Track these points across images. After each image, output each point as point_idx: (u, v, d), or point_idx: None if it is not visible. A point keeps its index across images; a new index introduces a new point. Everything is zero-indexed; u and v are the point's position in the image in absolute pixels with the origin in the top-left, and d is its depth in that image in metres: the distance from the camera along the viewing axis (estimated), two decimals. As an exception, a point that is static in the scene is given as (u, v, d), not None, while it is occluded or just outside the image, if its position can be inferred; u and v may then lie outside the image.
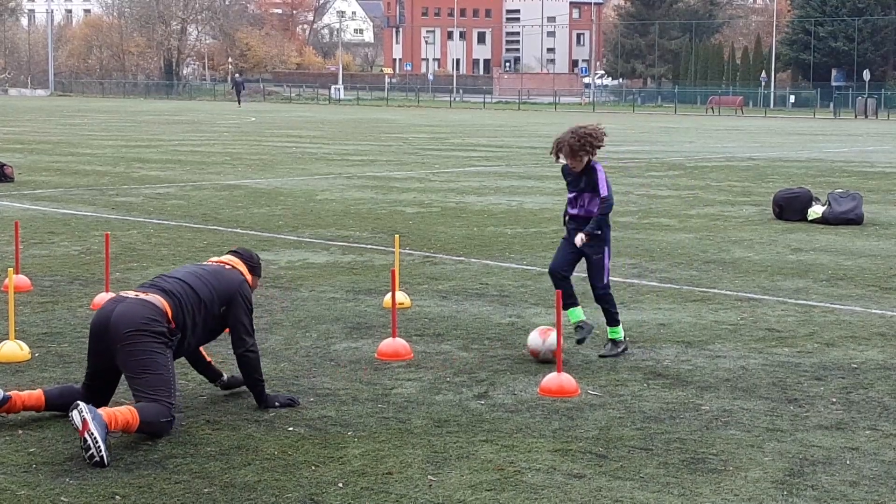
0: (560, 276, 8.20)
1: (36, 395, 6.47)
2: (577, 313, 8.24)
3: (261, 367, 6.79)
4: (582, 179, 8.29)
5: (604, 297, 8.26)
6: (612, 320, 8.27)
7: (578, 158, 8.24)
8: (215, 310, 6.63)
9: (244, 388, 7.04)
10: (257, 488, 5.46)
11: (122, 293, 6.61)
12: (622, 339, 8.30)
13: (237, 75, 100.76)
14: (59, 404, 6.48)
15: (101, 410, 5.98)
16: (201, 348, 6.94)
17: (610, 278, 8.33)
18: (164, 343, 6.33)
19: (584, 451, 6.05)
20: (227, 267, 6.84)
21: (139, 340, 6.24)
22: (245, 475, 5.64)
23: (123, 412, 6.06)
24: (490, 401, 7.00)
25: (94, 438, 5.75)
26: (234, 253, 7.06)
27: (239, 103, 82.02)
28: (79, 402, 5.94)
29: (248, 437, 6.23)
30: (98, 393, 6.53)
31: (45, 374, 7.42)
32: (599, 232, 8.18)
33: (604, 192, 8.21)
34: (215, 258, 7.06)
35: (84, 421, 5.79)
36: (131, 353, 6.24)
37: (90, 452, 5.76)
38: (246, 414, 6.65)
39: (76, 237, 14.11)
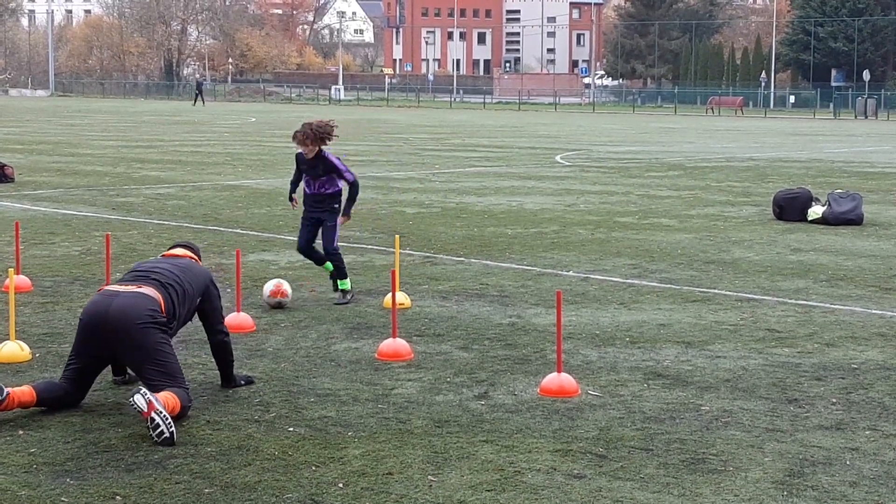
0: (307, 250, 10.36)
1: (28, 391, 6.57)
2: (329, 266, 10.28)
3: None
4: (319, 167, 10.11)
5: (333, 256, 10.23)
6: (342, 274, 10.22)
7: (309, 147, 10.06)
8: (194, 302, 6.98)
9: (234, 387, 7.18)
10: (258, 489, 5.47)
11: (111, 287, 6.82)
12: (350, 289, 10.25)
13: (198, 76, 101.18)
14: (47, 399, 6.62)
15: (157, 394, 6.19)
16: None
17: (337, 242, 10.24)
18: (166, 332, 6.64)
19: (585, 451, 6.05)
20: (193, 260, 7.27)
21: (148, 332, 6.51)
22: (245, 475, 5.64)
23: (169, 398, 6.29)
24: (490, 401, 7.00)
25: (163, 416, 6.02)
26: (187, 247, 7.47)
27: (200, 103, 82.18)
28: (140, 386, 6.28)
29: (249, 437, 6.23)
30: (79, 388, 6.70)
31: (46, 375, 7.42)
32: (343, 213, 10.30)
33: (350, 177, 10.20)
34: (174, 252, 7.35)
35: (150, 402, 6.05)
36: (142, 345, 6.49)
37: (160, 430, 6.00)
38: (246, 414, 6.66)
39: (76, 237, 14.11)
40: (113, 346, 6.55)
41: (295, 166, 10.54)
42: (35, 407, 6.58)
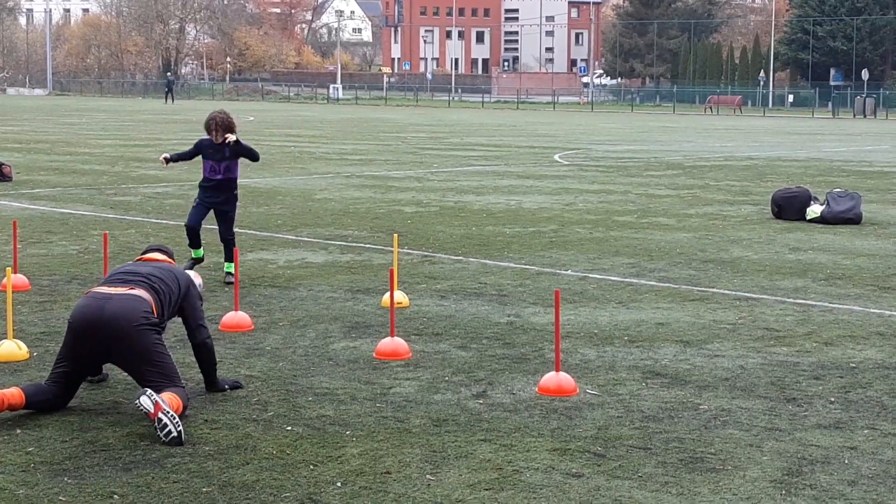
0: (196, 230, 10.94)
1: (17, 393, 6.53)
2: (199, 252, 11.08)
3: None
4: (226, 150, 10.88)
5: (230, 241, 11.00)
6: (230, 258, 10.88)
7: (224, 133, 10.82)
8: (177, 303, 6.94)
9: (218, 391, 7.09)
10: (256, 487, 5.46)
11: (101, 289, 6.71)
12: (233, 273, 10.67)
13: (168, 74, 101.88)
14: (36, 402, 6.58)
15: (162, 395, 6.20)
16: None
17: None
18: (160, 334, 6.64)
19: (583, 450, 6.05)
20: (171, 263, 7.24)
21: (145, 334, 6.49)
22: (243, 474, 5.63)
23: (172, 398, 6.28)
24: (488, 400, 6.99)
25: (171, 416, 6.03)
26: (161, 251, 7.41)
27: (169, 101, 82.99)
28: (146, 388, 6.24)
29: (247, 436, 6.23)
30: (66, 391, 6.66)
31: (44, 374, 7.39)
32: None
33: (258, 152, 11.20)
34: (151, 256, 7.29)
35: (157, 403, 6.06)
36: (139, 348, 6.47)
37: (167, 429, 6.00)
38: (244, 413, 6.65)
39: (74, 236, 14.10)
40: (108, 350, 6.53)
41: (193, 148, 11.16)
42: (23, 409, 6.56)
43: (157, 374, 6.44)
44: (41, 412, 6.57)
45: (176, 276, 6.99)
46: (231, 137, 10.78)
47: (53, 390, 6.60)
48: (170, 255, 7.43)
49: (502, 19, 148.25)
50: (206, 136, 11.00)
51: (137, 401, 6.14)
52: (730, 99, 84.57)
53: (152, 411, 6.04)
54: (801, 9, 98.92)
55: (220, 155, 10.95)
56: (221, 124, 10.83)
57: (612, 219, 16.58)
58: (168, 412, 6.04)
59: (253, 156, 11.03)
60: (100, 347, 6.52)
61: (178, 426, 6.03)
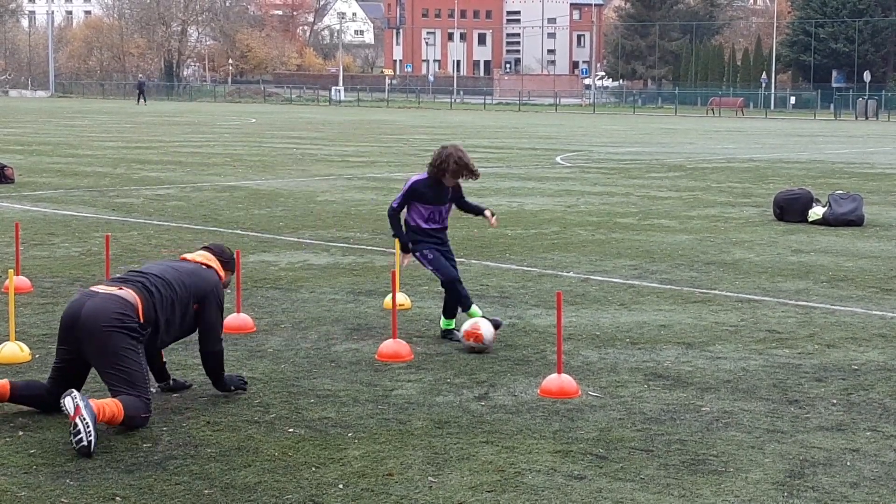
0: (458, 279, 8.80)
1: (3, 384, 6.49)
2: (475, 311, 8.66)
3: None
4: (448, 193, 8.91)
5: (461, 285, 8.84)
6: (453, 312, 8.81)
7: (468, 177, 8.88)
8: (189, 308, 6.74)
9: (238, 391, 7.09)
10: (258, 489, 5.46)
11: (94, 287, 6.66)
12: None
13: (140, 76, 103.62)
14: (22, 396, 6.54)
15: (92, 401, 6.07)
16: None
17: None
18: (136, 338, 6.40)
19: (585, 452, 6.05)
20: (205, 266, 6.97)
21: (112, 336, 6.31)
22: (245, 476, 5.64)
23: (110, 404, 6.16)
24: (490, 402, 6.99)
25: (86, 423, 5.87)
26: (207, 249, 7.18)
27: (141, 102, 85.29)
28: (72, 389, 6.11)
29: (249, 438, 6.23)
30: (66, 384, 6.55)
31: (46, 376, 7.38)
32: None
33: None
34: (190, 255, 7.13)
35: (77, 407, 5.91)
36: (104, 349, 6.32)
37: (79, 437, 5.86)
38: (246, 415, 6.65)
39: (76, 238, 14.10)
40: (81, 347, 6.42)
41: (403, 201, 8.86)
42: (11, 402, 6.52)
43: (117, 379, 6.28)
44: (43, 413, 6.58)
45: (194, 281, 6.74)
46: (496, 221, 8.99)
47: (47, 387, 6.55)
48: (218, 255, 7.08)
49: (504, 21, 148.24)
50: (419, 177, 8.91)
51: (62, 400, 6.02)
52: (732, 101, 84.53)
53: (71, 414, 5.92)
54: (802, 11, 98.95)
55: (444, 198, 8.85)
56: (465, 167, 8.76)
57: (614, 221, 16.57)
58: (84, 419, 5.86)
59: (475, 210, 9.09)
60: (76, 344, 6.43)
61: (90, 436, 5.85)
